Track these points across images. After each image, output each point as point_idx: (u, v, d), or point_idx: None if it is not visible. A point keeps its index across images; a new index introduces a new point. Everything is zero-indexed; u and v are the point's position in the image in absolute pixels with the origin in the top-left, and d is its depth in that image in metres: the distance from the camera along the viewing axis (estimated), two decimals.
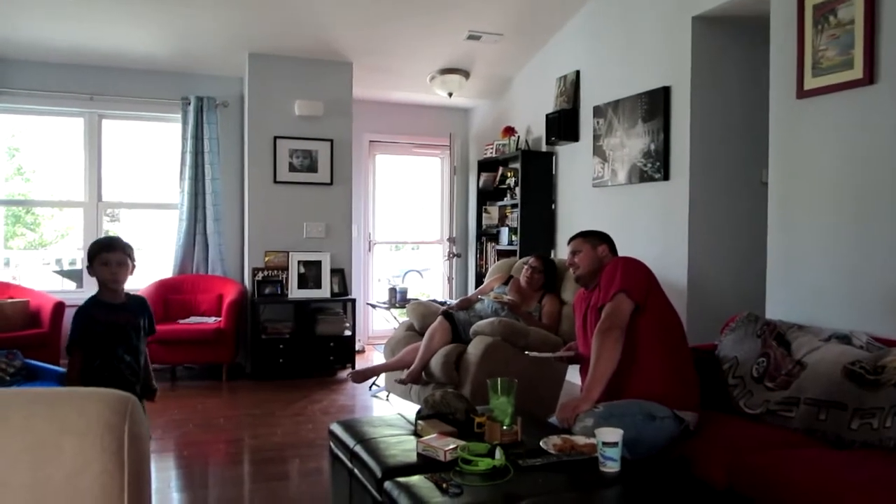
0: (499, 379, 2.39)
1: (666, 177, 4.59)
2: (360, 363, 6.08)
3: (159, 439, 4.16)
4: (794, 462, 2.29)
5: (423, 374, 4.13)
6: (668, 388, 2.66)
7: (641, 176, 4.80)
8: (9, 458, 0.84)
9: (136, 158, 6.30)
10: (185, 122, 6.05)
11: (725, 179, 4.46)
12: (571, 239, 3.01)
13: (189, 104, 6.02)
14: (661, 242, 4.63)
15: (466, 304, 4.58)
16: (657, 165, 4.65)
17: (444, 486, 1.91)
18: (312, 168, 6.08)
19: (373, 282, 7.39)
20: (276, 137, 5.95)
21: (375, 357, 6.56)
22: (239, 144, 6.20)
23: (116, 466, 0.86)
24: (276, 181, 5.97)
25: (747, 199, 4.42)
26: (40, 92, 5.74)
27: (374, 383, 5.21)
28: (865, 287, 3.06)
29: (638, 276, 2.73)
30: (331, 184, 6.12)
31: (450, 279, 7.00)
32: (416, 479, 1.99)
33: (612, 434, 2.06)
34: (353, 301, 6.10)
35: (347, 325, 5.96)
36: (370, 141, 7.37)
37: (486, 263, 6.57)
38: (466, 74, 6.39)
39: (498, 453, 2.08)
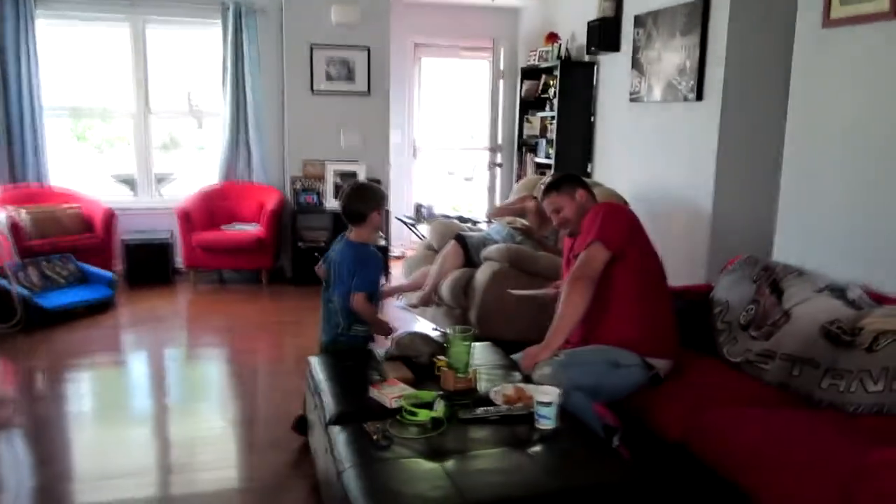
0: (456, 327, 2.45)
1: (699, 97, 4.34)
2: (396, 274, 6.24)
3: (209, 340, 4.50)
4: (744, 422, 2.28)
5: (433, 296, 4.22)
6: (639, 335, 2.65)
7: (675, 94, 4.56)
8: None
9: (180, 67, 6.38)
10: (224, 29, 6.04)
11: (760, 106, 4.15)
12: (544, 195, 2.88)
13: (228, 9, 5.99)
14: (689, 167, 4.45)
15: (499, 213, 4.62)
16: (691, 84, 4.40)
17: (376, 437, 2.03)
18: (350, 77, 6.04)
19: (415, 188, 7.41)
20: (312, 46, 5.91)
21: None
22: (278, 53, 6.18)
23: None
24: (313, 91, 5.98)
25: (781, 130, 4.12)
26: None
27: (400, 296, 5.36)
28: (881, 235, 2.86)
29: (616, 226, 2.67)
30: (368, 93, 6.08)
31: (490, 189, 6.97)
32: (355, 428, 2.11)
33: (547, 394, 2.10)
34: (388, 212, 6.18)
35: (381, 235, 6.07)
36: (415, 44, 7.21)
37: (524, 175, 6.47)
38: None
39: (437, 404, 2.17)
